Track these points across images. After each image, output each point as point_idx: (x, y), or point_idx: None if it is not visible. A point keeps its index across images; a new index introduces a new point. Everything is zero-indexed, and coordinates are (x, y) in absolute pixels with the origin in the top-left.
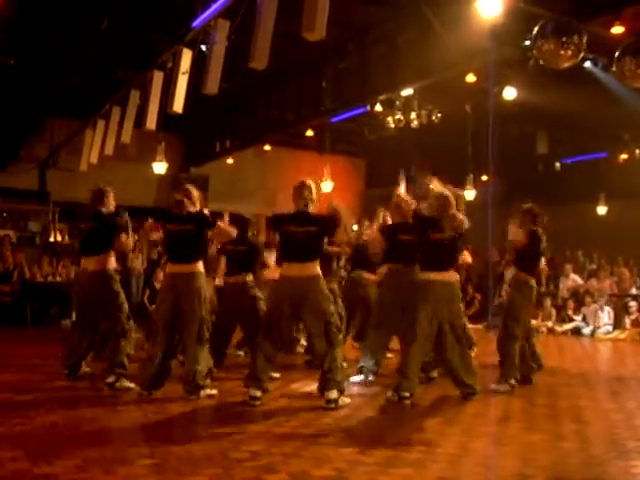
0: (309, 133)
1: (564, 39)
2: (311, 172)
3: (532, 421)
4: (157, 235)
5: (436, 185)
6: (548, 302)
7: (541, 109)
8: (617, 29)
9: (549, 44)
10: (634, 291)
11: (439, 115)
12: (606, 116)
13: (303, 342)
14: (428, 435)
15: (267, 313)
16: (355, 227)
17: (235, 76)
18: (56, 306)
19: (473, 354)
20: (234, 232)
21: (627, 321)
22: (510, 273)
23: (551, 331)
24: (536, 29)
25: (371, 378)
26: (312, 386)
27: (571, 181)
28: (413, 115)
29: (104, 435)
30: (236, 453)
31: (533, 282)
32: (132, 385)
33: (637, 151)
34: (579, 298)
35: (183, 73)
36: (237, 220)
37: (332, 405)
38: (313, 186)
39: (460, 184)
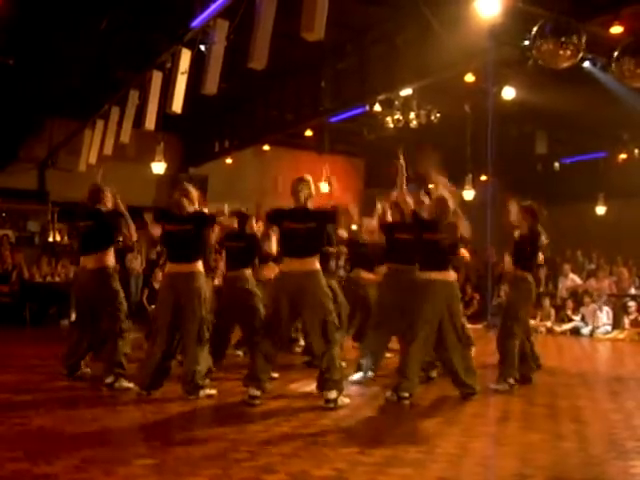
0: (308, 133)
1: (563, 39)
2: (310, 172)
3: (531, 421)
4: (158, 230)
5: (437, 184)
6: (547, 302)
7: (540, 109)
8: (616, 29)
9: (548, 44)
10: (633, 291)
11: (438, 115)
12: (605, 116)
13: (302, 342)
14: (428, 435)
15: (267, 312)
16: (355, 227)
17: (234, 76)
18: (55, 306)
19: (472, 354)
20: (235, 223)
21: (626, 321)
22: (508, 263)
23: (550, 331)
24: (535, 29)
25: (370, 374)
26: (311, 386)
27: (570, 181)
28: (412, 115)
29: (103, 435)
30: (235, 453)
31: (531, 278)
32: (131, 385)
33: (636, 151)
34: (578, 298)
35: (182, 73)
36: (236, 216)
37: (331, 405)
38: (311, 181)
39: (459, 184)
